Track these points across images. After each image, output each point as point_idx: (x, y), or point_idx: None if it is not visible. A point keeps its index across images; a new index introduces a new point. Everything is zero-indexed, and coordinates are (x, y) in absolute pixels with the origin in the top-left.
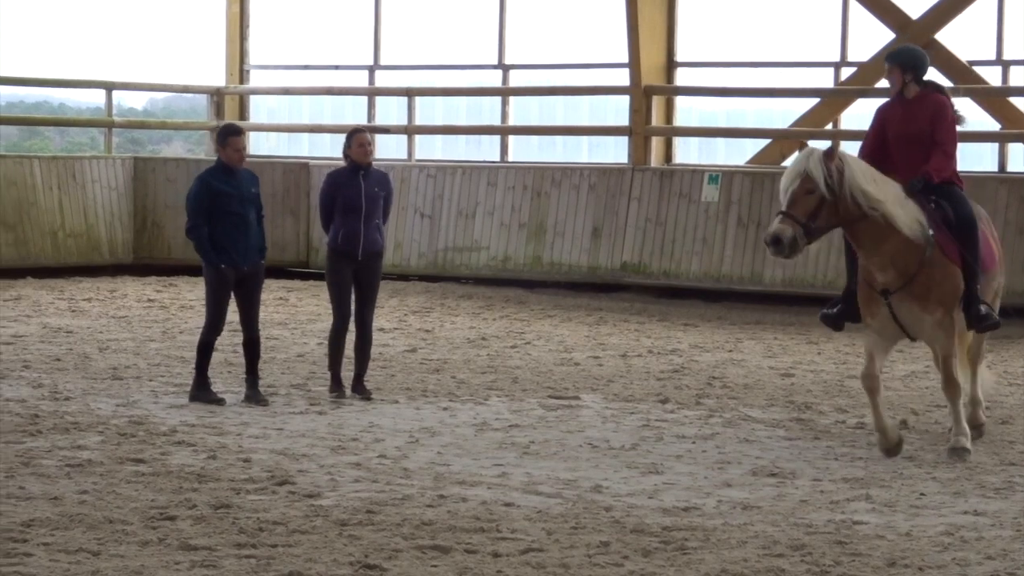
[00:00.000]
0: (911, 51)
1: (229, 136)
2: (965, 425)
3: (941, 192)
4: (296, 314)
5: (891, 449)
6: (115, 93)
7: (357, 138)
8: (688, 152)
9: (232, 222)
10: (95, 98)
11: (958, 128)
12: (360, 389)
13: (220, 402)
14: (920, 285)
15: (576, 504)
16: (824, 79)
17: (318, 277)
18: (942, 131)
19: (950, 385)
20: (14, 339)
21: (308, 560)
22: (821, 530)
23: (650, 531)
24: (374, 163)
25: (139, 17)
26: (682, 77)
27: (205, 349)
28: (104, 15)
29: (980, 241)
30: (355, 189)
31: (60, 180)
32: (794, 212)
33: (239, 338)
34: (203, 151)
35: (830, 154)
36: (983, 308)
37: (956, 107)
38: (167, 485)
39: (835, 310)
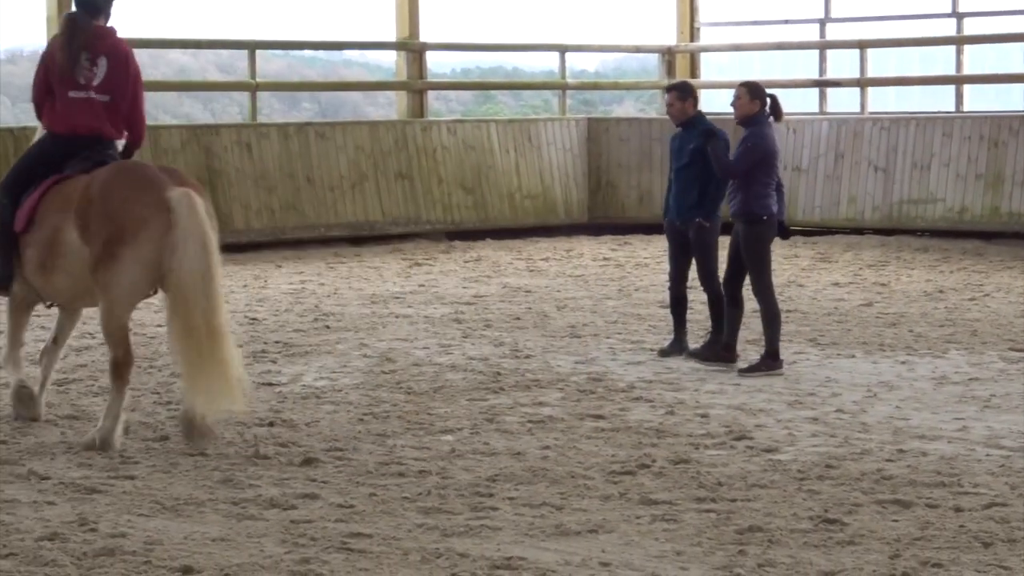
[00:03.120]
0: None
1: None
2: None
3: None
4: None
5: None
6: (568, 55)
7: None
8: None
9: (671, 178)
10: (548, 61)
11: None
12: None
13: (667, 353)
14: None
15: None
16: None
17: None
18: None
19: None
20: (476, 299)
21: (768, 515)
22: None
23: None
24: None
25: None
26: None
27: (671, 301)
28: None
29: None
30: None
31: (516, 143)
32: None
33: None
34: (654, 110)
35: None
36: None
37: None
38: (627, 440)
39: None
